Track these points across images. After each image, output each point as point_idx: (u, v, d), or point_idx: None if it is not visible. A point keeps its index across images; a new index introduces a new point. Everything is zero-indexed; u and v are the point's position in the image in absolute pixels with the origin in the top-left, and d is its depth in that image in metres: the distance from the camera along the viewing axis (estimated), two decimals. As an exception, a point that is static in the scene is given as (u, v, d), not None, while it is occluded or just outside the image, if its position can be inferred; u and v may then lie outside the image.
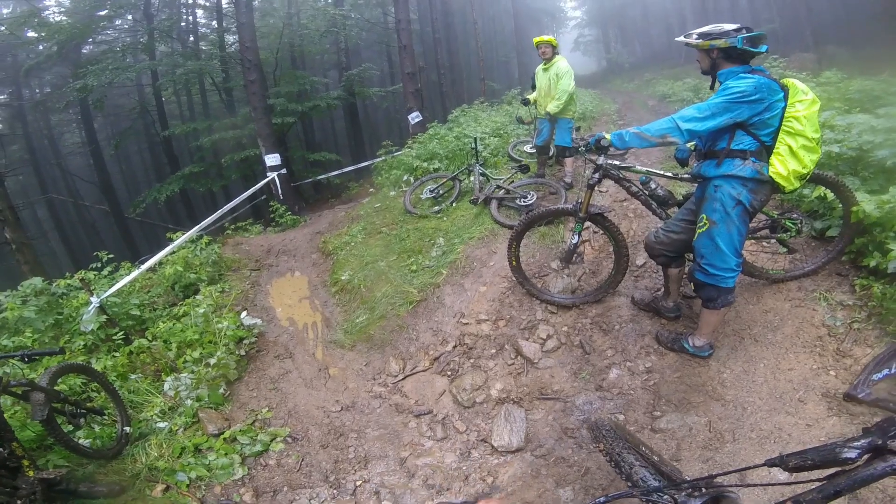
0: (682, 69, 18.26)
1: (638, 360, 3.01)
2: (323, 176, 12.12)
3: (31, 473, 2.17)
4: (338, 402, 3.25)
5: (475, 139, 6.07)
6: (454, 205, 5.71)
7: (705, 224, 2.55)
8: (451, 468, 2.62)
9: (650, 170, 3.12)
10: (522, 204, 4.96)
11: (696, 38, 2.43)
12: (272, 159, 9.49)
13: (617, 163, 3.11)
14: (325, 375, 3.54)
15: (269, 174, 9.34)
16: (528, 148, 6.97)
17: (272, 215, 8.58)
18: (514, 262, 3.63)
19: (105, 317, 4.12)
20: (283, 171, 9.60)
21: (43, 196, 18.04)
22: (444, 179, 6.10)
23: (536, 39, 5.22)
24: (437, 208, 5.74)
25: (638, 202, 3.28)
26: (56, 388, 2.56)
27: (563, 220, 4.56)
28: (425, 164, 7.21)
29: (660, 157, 5.97)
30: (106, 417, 2.91)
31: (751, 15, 20.13)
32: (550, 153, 5.88)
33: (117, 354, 3.71)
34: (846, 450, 0.86)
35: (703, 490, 1.12)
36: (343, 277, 4.77)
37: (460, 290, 4.08)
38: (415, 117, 10.51)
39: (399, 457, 2.75)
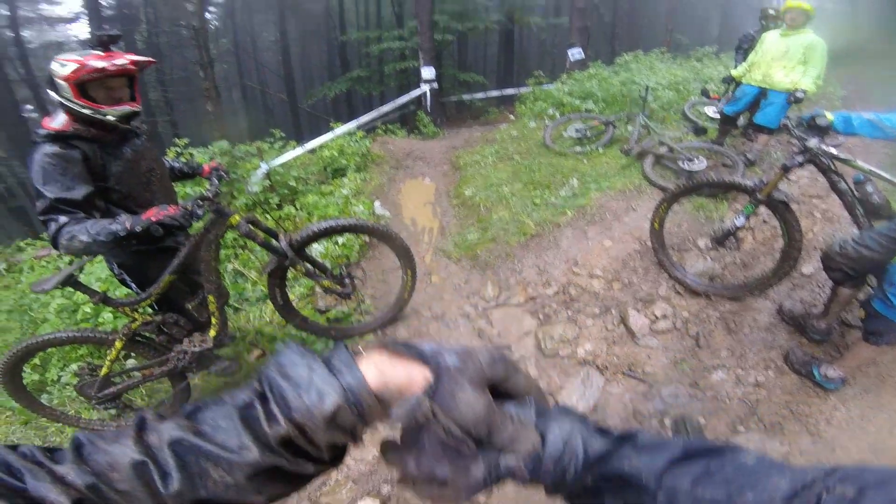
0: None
1: (751, 371, 2.61)
2: (468, 96, 12.06)
3: (213, 333, 2.21)
4: (430, 309, 3.38)
5: (646, 87, 5.31)
6: (601, 150, 5.24)
7: None
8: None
9: (874, 169, 2.43)
10: (686, 167, 4.36)
11: None
12: (428, 72, 9.64)
13: (833, 150, 2.46)
14: (427, 280, 3.71)
15: (422, 86, 9.56)
16: (710, 111, 5.93)
17: (417, 123, 9.03)
18: (656, 226, 3.23)
19: (268, 182, 4.83)
20: (435, 84, 9.74)
21: (239, 82, 21.40)
22: (597, 122, 5.58)
23: (789, 3, 4.19)
24: (579, 149, 5.33)
25: (835, 203, 2.64)
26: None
27: (732, 196, 3.92)
28: (577, 102, 6.72)
29: (883, 158, 4.57)
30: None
31: None
32: (738, 124, 4.94)
33: (269, 217, 4.34)
34: None
35: None
36: (466, 192, 4.84)
37: (581, 237, 3.82)
38: (575, 53, 9.68)
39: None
